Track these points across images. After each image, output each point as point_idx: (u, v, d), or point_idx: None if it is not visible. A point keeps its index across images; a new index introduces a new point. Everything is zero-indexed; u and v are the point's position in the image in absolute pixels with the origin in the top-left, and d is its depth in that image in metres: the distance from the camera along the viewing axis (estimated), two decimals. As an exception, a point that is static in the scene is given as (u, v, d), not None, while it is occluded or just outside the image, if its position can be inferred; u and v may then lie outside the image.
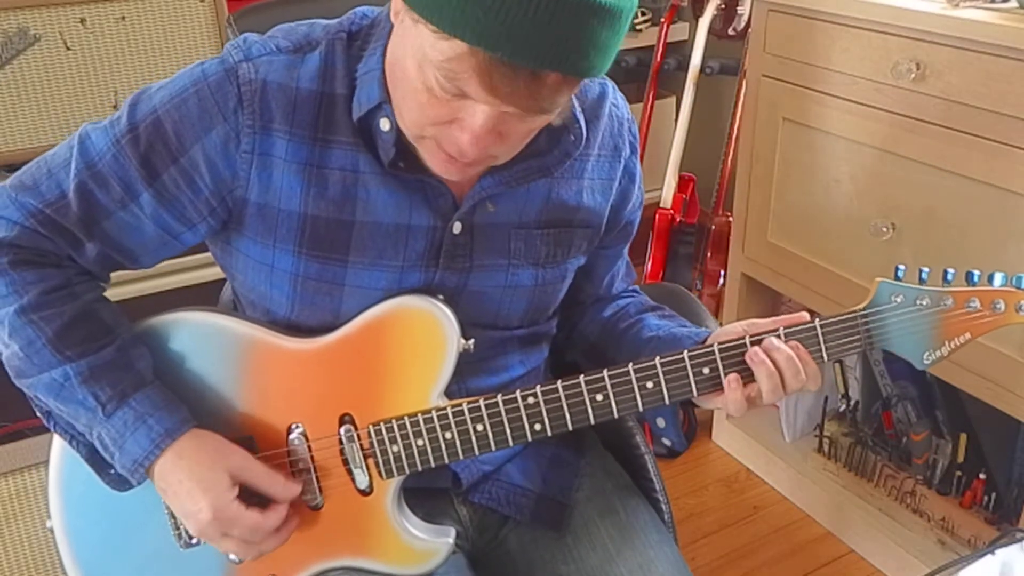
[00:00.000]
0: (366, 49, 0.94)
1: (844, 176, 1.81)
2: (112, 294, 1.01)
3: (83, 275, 0.98)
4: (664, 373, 0.94)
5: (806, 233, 1.93)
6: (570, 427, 0.96)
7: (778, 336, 0.94)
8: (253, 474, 0.96)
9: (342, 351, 0.99)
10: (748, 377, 0.95)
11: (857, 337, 0.94)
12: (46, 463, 1.05)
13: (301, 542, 1.01)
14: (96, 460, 0.97)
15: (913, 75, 1.60)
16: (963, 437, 1.92)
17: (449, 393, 0.98)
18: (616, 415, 0.96)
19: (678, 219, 2.40)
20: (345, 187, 0.95)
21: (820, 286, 1.91)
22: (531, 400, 0.95)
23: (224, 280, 1.19)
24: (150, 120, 0.93)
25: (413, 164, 0.95)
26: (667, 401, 0.95)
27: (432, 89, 0.82)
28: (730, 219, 2.18)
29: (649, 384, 0.95)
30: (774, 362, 0.93)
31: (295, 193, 0.95)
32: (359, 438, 0.99)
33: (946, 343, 0.93)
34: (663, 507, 1.21)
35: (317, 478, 1.01)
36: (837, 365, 2.14)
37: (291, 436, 1.00)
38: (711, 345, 0.94)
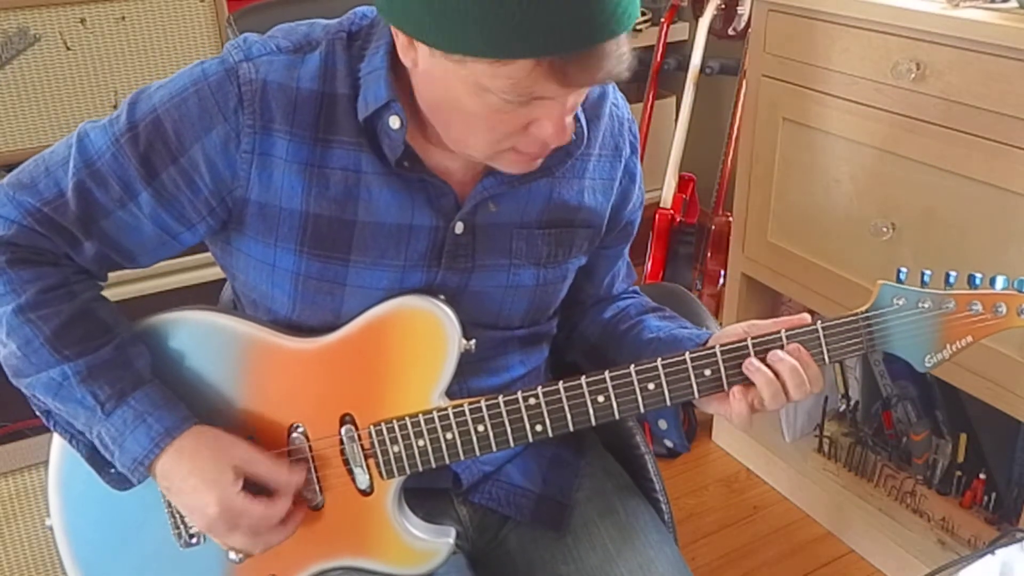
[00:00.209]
0: (367, 48, 0.94)
1: (844, 176, 1.81)
2: (112, 294, 1.01)
3: (81, 274, 0.98)
4: (666, 374, 0.94)
5: (806, 233, 1.93)
6: (571, 428, 0.96)
7: (779, 338, 0.94)
8: (256, 465, 0.96)
9: (343, 351, 0.99)
10: (736, 381, 0.95)
11: (859, 339, 0.94)
12: (46, 463, 1.05)
13: (301, 542, 1.01)
14: (96, 459, 0.97)
15: (913, 75, 1.60)
16: (963, 437, 1.92)
17: (450, 393, 0.98)
18: (617, 416, 0.96)
19: (678, 219, 2.40)
20: (347, 187, 0.95)
21: (820, 286, 1.91)
22: (532, 401, 0.95)
23: (224, 280, 1.19)
24: (150, 119, 0.93)
25: (417, 163, 0.95)
26: (668, 402, 0.95)
27: (500, 110, 0.84)
28: (730, 219, 2.18)
29: (651, 385, 0.95)
30: (777, 373, 0.93)
31: (296, 193, 0.95)
32: (360, 438, 0.99)
33: (948, 346, 0.93)
34: (663, 507, 1.21)
35: (318, 478, 1.01)
36: (837, 365, 2.14)
37: (292, 436, 1.00)
38: (713, 347, 0.94)
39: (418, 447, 0.98)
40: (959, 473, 1.93)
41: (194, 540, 1.03)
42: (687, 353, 0.94)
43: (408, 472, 0.99)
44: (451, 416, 0.96)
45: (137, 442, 0.93)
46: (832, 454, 2.14)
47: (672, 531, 1.20)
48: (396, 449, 0.98)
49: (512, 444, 0.97)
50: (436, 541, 1.02)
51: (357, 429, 0.99)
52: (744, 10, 2.46)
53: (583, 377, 0.95)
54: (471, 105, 0.84)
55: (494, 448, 0.97)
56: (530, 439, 0.97)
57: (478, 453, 0.98)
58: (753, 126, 1.98)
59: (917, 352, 0.94)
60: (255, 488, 0.96)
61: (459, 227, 0.99)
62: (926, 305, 0.92)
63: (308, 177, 0.95)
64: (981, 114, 1.52)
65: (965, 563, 0.97)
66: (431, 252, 0.99)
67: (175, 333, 1.01)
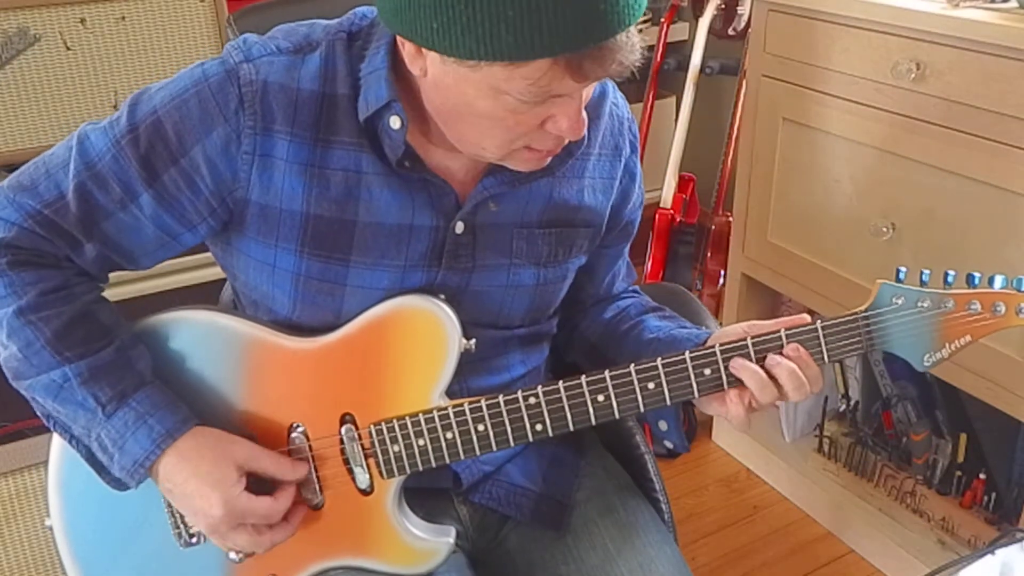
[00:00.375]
0: (367, 48, 0.94)
1: (844, 176, 1.81)
2: (112, 294, 1.01)
3: (82, 276, 0.98)
4: (666, 374, 0.94)
5: (806, 233, 1.93)
6: (571, 427, 0.96)
7: (779, 338, 0.94)
8: (259, 461, 0.96)
9: (343, 351, 0.99)
10: (736, 381, 0.95)
11: (858, 339, 0.94)
12: (46, 463, 1.05)
13: (301, 541, 1.01)
14: (96, 461, 0.97)
15: (913, 75, 1.60)
16: (963, 437, 1.92)
17: (450, 393, 0.98)
18: (617, 416, 0.96)
19: (678, 219, 2.40)
20: (348, 187, 0.95)
21: (820, 286, 1.91)
22: (532, 400, 0.95)
23: (224, 280, 1.19)
24: (150, 121, 0.93)
25: (417, 163, 0.95)
26: (668, 402, 0.95)
27: (516, 110, 0.84)
28: (730, 219, 2.18)
29: (651, 385, 0.95)
30: (775, 377, 0.93)
31: (297, 193, 0.95)
32: (360, 438, 0.99)
33: (947, 345, 0.93)
34: (663, 507, 1.21)
35: (318, 478, 1.01)
36: (837, 365, 2.14)
37: (292, 436, 1.00)
38: (712, 346, 0.94)
39: (418, 447, 0.98)
40: (959, 473, 1.93)
41: (194, 540, 1.03)
42: (687, 353, 0.94)
43: (408, 472, 0.99)
44: (451, 416, 0.97)
45: (138, 443, 0.93)
46: (832, 454, 2.14)
47: (672, 531, 1.20)
48: (396, 449, 0.98)
49: (512, 444, 0.97)
50: (436, 540, 1.02)
51: (357, 429, 0.99)
52: (744, 10, 2.46)
53: (583, 377, 0.95)
54: (486, 108, 0.85)
55: (494, 448, 0.97)
56: (530, 438, 0.97)
57: (478, 452, 0.98)
58: (753, 126, 1.98)
59: (916, 351, 0.94)
60: (255, 486, 0.96)
61: (459, 227, 0.99)
62: (925, 304, 0.92)
63: (309, 178, 0.95)
64: (981, 114, 1.52)
65: (965, 563, 0.97)
66: (431, 252, 0.99)
67: (175, 333, 1.01)
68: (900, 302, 0.92)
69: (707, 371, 0.95)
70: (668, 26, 2.71)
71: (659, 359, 0.94)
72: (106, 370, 0.94)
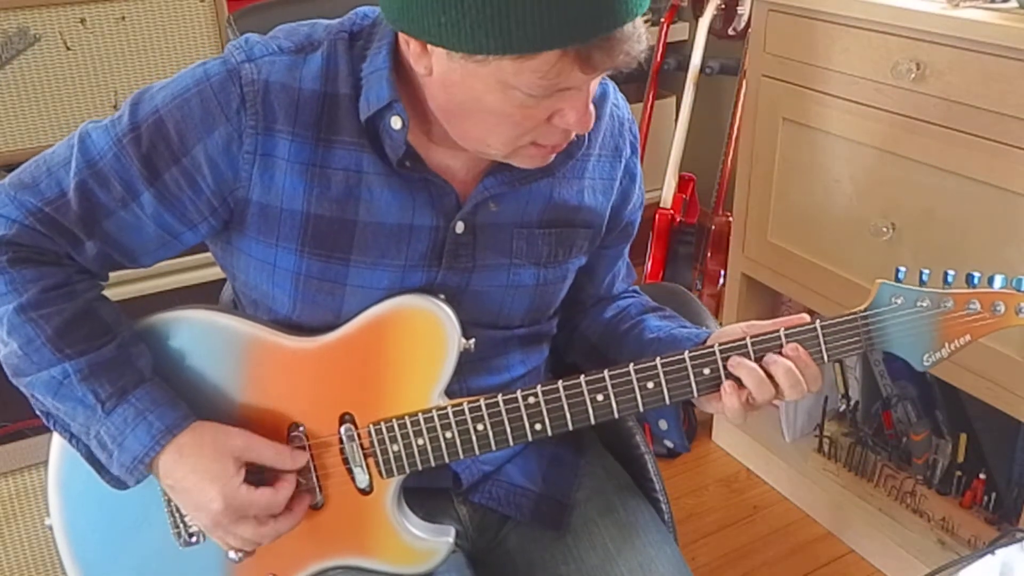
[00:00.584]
0: (369, 48, 0.94)
1: (844, 176, 1.81)
2: (112, 294, 1.01)
3: (82, 273, 0.98)
4: (665, 373, 0.94)
5: (806, 233, 1.93)
6: (571, 427, 0.96)
7: (778, 337, 0.94)
8: (258, 451, 0.96)
9: (343, 350, 0.99)
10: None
11: (857, 338, 0.94)
12: (46, 463, 1.05)
13: (301, 541, 1.01)
14: (96, 459, 0.97)
15: (913, 75, 1.60)
16: (963, 437, 1.91)
17: (450, 392, 0.98)
18: (617, 415, 0.96)
19: (678, 219, 2.40)
20: (348, 187, 0.95)
21: (820, 286, 1.91)
22: (532, 400, 0.95)
23: (224, 280, 1.19)
24: (152, 120, 0.93)
25: (418, 163, 0.95)
26: (668, 401, 0.95)
27: (524, 104, 0.84)
28: (730, 219, 2.18)
29: (650, 384, 0.95)
30: (771, 375, 0.93)
31: (298, 193, 0.95)
32: (359, 437, 0.99)
33: (946, 345, 0.93)
34: (663, 507, 1.21)
35: (317, 477, 1.01)
36: (837, 365, 2.14)
37: (292, 435, 1.00)
38: (711, 346, 0.94)
39: (417, 446, 0.98)
40: (959, 473, 1.93)
41: (194, 539, 1.03)
42: (686, 352, 0.94)
43: (407, 471, 0.99)
44: (450, 415, 0.97)
45: (138, 440, 0.93)
46: (832, 454, 2.14)
47: (672, 531, 1.20)
48: (395, 448, 0.98)
49: (512, 443, 0.97)
50: (435, 540, 1.02)
51: (356, 428, 0.99)
52: (744, 10, 2.46)
53: (582, 376, 0.95)
54: (494, 104, 0.85)
55: (493, 447, 0.97)
56: (529, 438, 0.97)
57: (477, 452, 0.98)
58: (753, 126, 1.98)
59: (915, 351, 0.94)
60: (256, 478, 0.96)
61: (460, 227, 0.99)
62: (924, 304, 0.92)
63: (310, 177, 0.95)
64: (981, 114, 1.52)
65: (965, 563, 0.97)
66: (432, 252, 0.99)
67: (175, 332, 1.01)
68: (899, 302, 0.92)
69: (706, 370, 0.94)
70: (668, 26, 2.71)
71: (658, 358, 0.94)
72: (106, 367, 0.94)
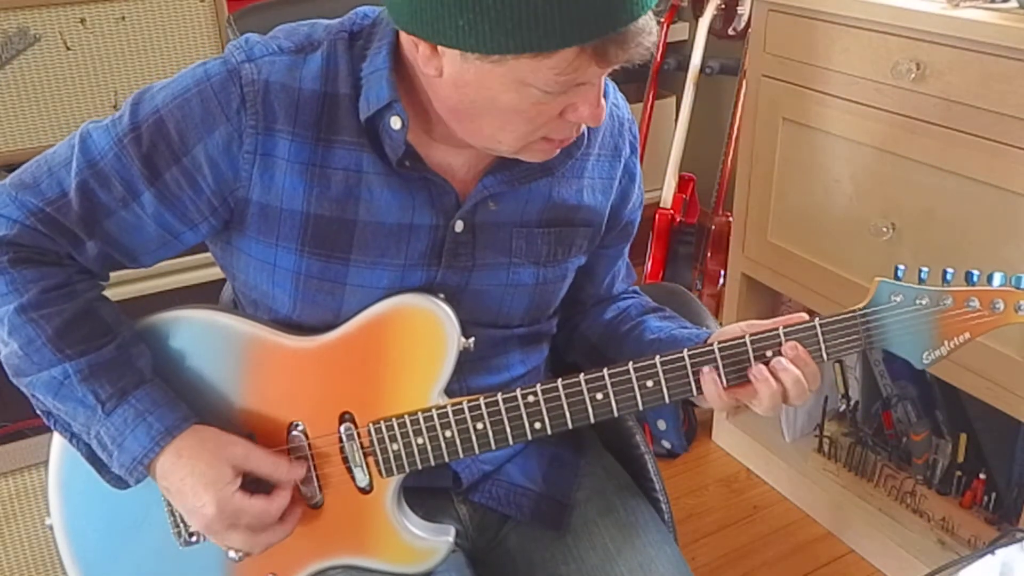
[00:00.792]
0: (369, 48, 0.94)
1: (844, 176, 1.81)
2: (112, 294, 1.01)
3: (83, 274, 0.98)
4: (664, 372, 0.94)
5: (806, 233, 1.93)
6: (570, 426, 0.96)
7: (777, 335, 0.94)
8: (255, 461, 0.96)
9: (342, 349, 0.99)
10: (735, 380, 0.95)
11: (856, 337, 0.94)
12: (46, 463, 1.05)
13: (301, 540, 1.01)
14: (96, 458, 0.97)
15: (913, 75, 1.60)
16: (963, 437, 1.91)
17: (450, 392, 0.98)
18: (616, 414, 0.96)
19: (678, 219, 2.40)
20: (348, 187, 0.95)
21: (820, 286, 1.91)
22: (531, 399, 0.95)
23: (224, 280, 1.19)
24: (153, 120, 0.93)
25: (418, 162, 0.95)
26: (667, 400, 0.95)
27: (539, 101, 0.85)
28: (730, 219, 2.18)
29: (649, 383, 0.95)
30: (779, 382, 0.93)
31: (298, 193, 0.95)
32: (359, 436, 0.99)
33: (945, 343, 0.93)
34: (663, 507, 1.21)
35: (317, 476, 1.01)
36: (837, 365, 2.14)
37: (291, 434, 1.00)
38: (711, 344, 0.95)
39: (417, 445, 0.98)
40: (959, 473, 1.93)
41: (194, 539, 1.03)
42: (685, 350, 0.94)
43: (407, 470, 0.99)
44: (450, 414, 0.97)
45: (137, 441, 0.93)
46: (832, 454, 2.14)
47: (672, 531, 1.20)
48: (395, 447, 0.98)
49: (511, 442, 0.97)
50: (435, 540, 1.02)
51: (356, 427, 0.99)
52: (744, 10, 2.46)
53: (582, 375, 0.95)
54: (510, 102, 0.85)
55: (493, 446, 0.97)
56: (529, 437, 0.97)
57: (477, 451, 0.98)
58: (753, 126, 1.98)
59: (915, 349, 0.94)
60: (253, 486, 0.96)
61: (459, 225, 0.99)
62: (923, 302, 0.92)
63: (309, 177, 0.95)
64: (981, 114, 1.52)
65: (965, 563, 0.97)
66: (431, 251, 0.99)
67: (175, 332, 1.01)
68: (899, 299, 0.92)
69: (705, 369, 0.94)
70: (668, 26, 2.71)
71: (657, 357, 0.94)
72: (106, 367, 0.94)
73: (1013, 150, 1.49)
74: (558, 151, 0.95)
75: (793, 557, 2.00)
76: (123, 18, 1.73)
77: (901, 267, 0.93)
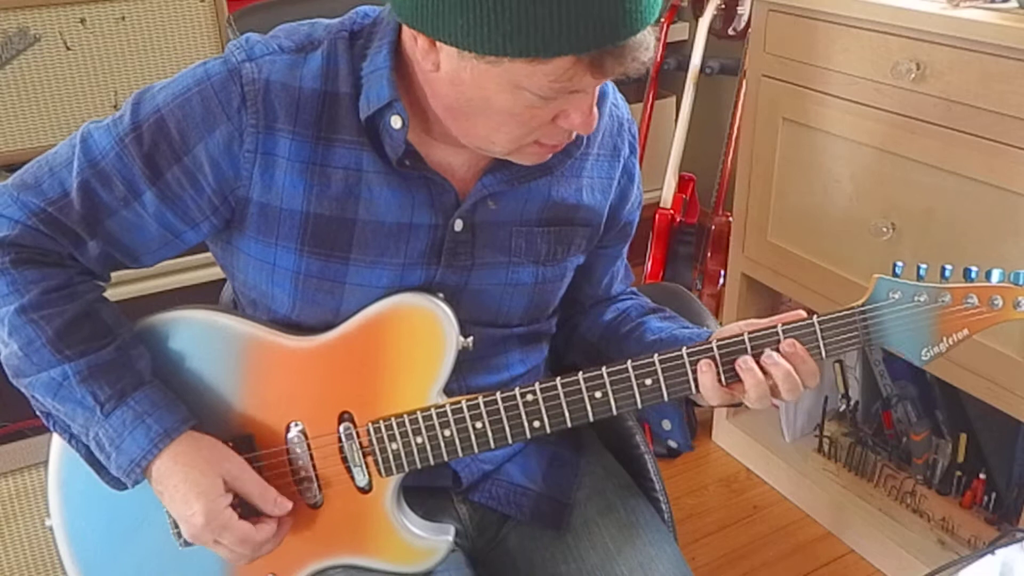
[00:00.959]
0: (369, 48, 0.94)
1: (844, 176, 1.81)
2: (112, 294, 1.01)
3: (84, 274, 0.98)
4: (663, 370, 0.94)
5: (806, 233, 1.93)
6: (569, 424, 0.96)
7: (775, 332, 0.94)
8: (246, 484, 0.96)
9: (341, 349, 0.99)
10: (732, 378, 0.95)
11: (855, 334, 0.93)
12: (46, 463, 1.05)
13: (300, 540, 1.01)
14: (95, 460, 0.97)
15: (913, 75, 1.60)
16: (963, 437, 1.92)
17: (449, 391, 0.98)
18: (615, 412, 0.96)
19: (678, 219, 2.40)
20: (348, 185, 0.95)
21: (820, 286, 1.91)
22: (530, 398, 0.95)
23: (224, 280, 1.19)
24: (153, 119, 0.93)
25: (418, 161, 0.95)
26: (666, 398, 0.95)
27: (532, 105, 0.85)
28: (730, 219, 2.18)
29: (648, 381, 0.95)
30: (770, 376, 0.93)
31: (298, 192, 0.95)
32: (358, 436, 0.99)
33: (944, 339, 0.93)
34: (663, 507, 1.21)
35: (316, 476, 1.01)
36: (837, 365, 2.15)
37: (290, 434, 1.00)
38: (710, 341, 0.94)
39: (416, 444, 0.98)
40: (959, 473, 1.93)
41: (193, 539, 1.03)
42: (684, 348, 0.94)
43: (407, 470, 0.99)
44: (449, 413, 0.97)
45: (135, 443, 0.93)
46: (832, 454, 2.14)
47: (672, 531, 1.20)
48: (394, 447, 0.98)
49: (510, 441, 0.97)
50: (435, 539, 1.02)
51: (355, 427, 0.99)
52: (744, 10, 2.46)
53: (580, 373, 0.95)
54: (502, 104, 0.85)
55: (492, 445, 0.97)
56: (528, 436, 0.97)
57: (476, 450, 0.98)
58: (753, 126, 1.98)
59: (913, 346, 0.93)
60: (245, 506, 0.96)
61: (458, 224, 0.99)
62: (922, 299, 0.92)
63: (310, 176, 0.95)
64: (981, 114, 1.52)
65: (965, 563, 0.97)
66: (430, 250, 0.99)
67: (174, 332, 1.01)
68: (897, 296, 0.92)
69: (702, 363, 0.94)
70: (668, 26, 2.71)
71: (656, 355, 0.94)
72: (105, 369, 0.94)
73: (1013, 150, 1.49)
74: (550, 156, 0.95)
75: (793, 557, 2.00)
76: (123, 18, 1.73)
77: (899, 264, 0.93)
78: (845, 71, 1.74)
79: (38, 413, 0.99)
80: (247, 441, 0.99)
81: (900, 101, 1.64)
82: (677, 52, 2.79)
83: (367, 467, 1.00)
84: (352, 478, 1.00)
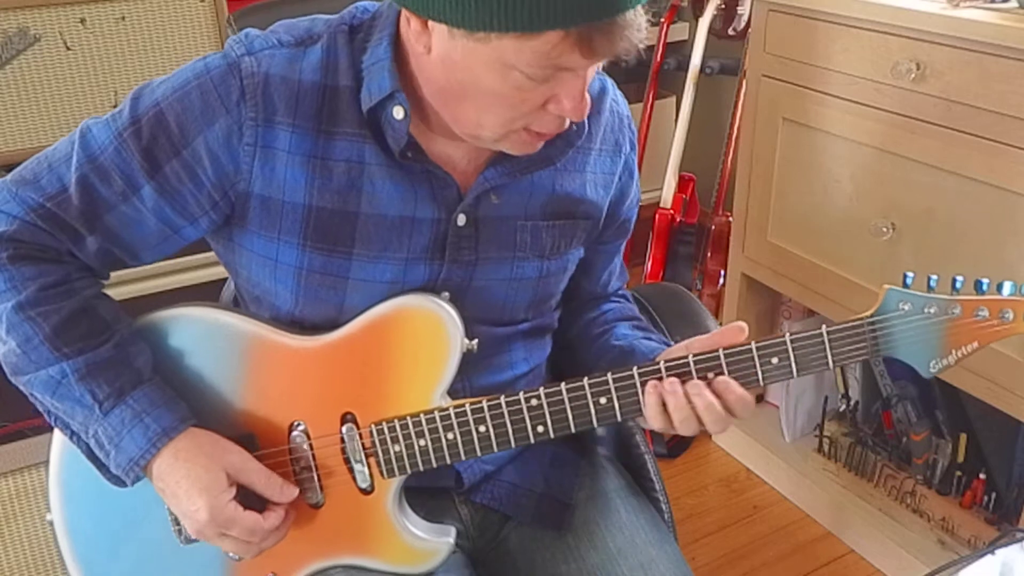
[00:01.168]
0: (369, 40, 0.94)
1: (844, 176, 1.81)
2: (112, 294, 1.01)
3: (83, 271, 0.98)
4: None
5: (806, 233, 1.93)
6: (573, 429, 0.96)
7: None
8: (250, 475, 0.96)
9: (345, 349, 0.99)
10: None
11: (863, 344, 0.91)
12: (46, 463, 1.05)
13: (301, 540, 1.01)
14: (96, 457, 0.97)
15: (913, 75, 1.60)
16: (963, 437, 1.92)
17: (453, 391, 0.98)
18: (620, 418, 0.95)
19: (678, 219, 2.40)
20: (350, 179, 0.95)
21: (820, 286, 1.91)
22: (534, 402, 0.95)
23: (225, 280, 1.19)
24: (152, 113, 0.93)
25: (420, 154, 0.95)
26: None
27: (521, 87, 0.85)
28: (730, 219, 2.18)
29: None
30: (693, 407, 0.92)
31: (299, 185, 0.95)
32: (361, 437, 0.99)
33: (953, 351, 0.91)
34: (663, 507, 1.21)
35: (318, 476, 1.00)
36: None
37: (293, 434, 1.00)
38: (658, 363, 0.93)
39: (419, 446, 0.98)
40: (959, 473, 1.93)
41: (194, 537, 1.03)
42: (690, 356, 0.93)
43: (409, 471, 0.99)
44: (452, 416, 0.96)
45: (134, 442, 0.93)
46: (832, 454, 2.14)
47: (672, 531, 1.20)
48: (397, 448, 0.98)
49: (513, 444, 0.97)
50: (436, 540, 1.02)
51: (358, 428, 0.99)
52: (744, 10, 2.46)
53: (585, 378, 0.95)
54: (492, 84, 0.85)
55: (495, 448, 0.97)
56: (531, 440, 0.97)
57: (479, 453, 0.98)
58: (753, 126, 1.98)
59: (922, 357, 0.91)
60: (249, 497, 0.96)
61: (461, 219, 0.99)
62: (932, 310, 0.90)
63: (311, 169, 0.95)
64: (981, 114, 1.52)
65: (965, 563, 0.97)
66: (434, 245, 0.99)
67: (176, 330, 1.01)
68: (907, 308, 0.90)
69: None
70: (668, 26, 2.71)
71: (662, 362, 0.94)
72: (104, 367, 0.94)
73: (1013, 150, 1.49)
74: (540, 145, 0.95)
75: (793, 557, 2.00)
76: (123, 18, 1.73)
77: (910, 275, 0.90)
78: (845, 71, 1.74)
79: (39, 410, 0.98)
80: (249, 440, 0.99)
81: (900, 101, 1.65)
82: (677, 52, 2.79)
83: (369, 468, 0.99)
84: (354, 479, 1.00)
